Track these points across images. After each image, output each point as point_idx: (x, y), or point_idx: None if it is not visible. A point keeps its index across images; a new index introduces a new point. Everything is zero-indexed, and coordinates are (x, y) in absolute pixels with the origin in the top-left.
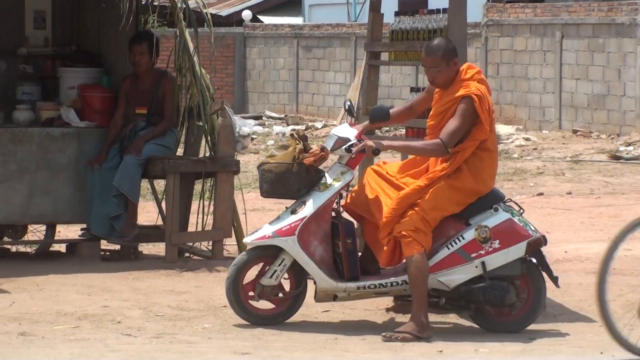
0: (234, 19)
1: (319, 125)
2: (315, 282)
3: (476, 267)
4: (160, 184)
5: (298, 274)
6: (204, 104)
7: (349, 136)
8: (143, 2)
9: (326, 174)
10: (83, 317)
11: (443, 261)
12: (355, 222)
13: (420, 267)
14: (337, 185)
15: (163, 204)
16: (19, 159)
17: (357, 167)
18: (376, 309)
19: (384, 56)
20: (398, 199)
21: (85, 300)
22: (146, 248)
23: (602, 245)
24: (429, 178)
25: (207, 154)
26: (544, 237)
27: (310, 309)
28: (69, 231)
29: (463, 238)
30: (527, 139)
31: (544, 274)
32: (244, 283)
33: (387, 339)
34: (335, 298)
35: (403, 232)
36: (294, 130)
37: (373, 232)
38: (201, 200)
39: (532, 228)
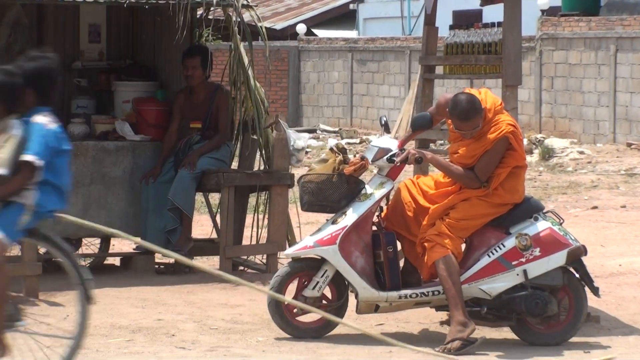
0: (289, 33)
1: (372, 138)
2: (357, 293)
3: (517, 274)
4: (214, 198)
5: (339, 286)
6: (258, 117)
7: (390, 146)
8: (198, 16)
9: (366, 185)
10: (137, 330)
11: (484, 269)
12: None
13: (448, 267)
14: (378, 194)
15: (217, 218)
16: (73, 173)
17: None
18: (430, 322)
19: (439, 70)
20: (430, 215)
21: (139, 313)
22: (200, 261)
23: None
24: (460, 195)
25: (262, 168)
26: (584, 246)
27: (364, 322)
28: (123, 245)
29: (504, 246)
30: (581, 152)
31: (585, 285)
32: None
33: (439, 353)
34: (377, 309)
35: (427, 238)
36: (334, 145)
37: (412, 247)
38: (255, 214)
39: (572, 237)
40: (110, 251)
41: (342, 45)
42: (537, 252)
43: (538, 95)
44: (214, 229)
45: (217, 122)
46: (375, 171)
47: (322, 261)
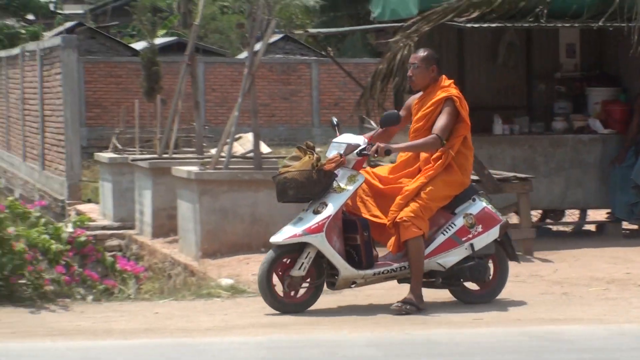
0: None
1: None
2: (338, 273)
3: (466, 249)
4: None
5: (319, 267)
6: None
7: (358, 142)
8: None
9: (339, 178)
10: (611, 281)
11: (440, 246)
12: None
13: (419, 248)
14: (352, 187)
15: None
16: (556, 159)
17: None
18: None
19: None
20: (404, 194)
21: (611, 268)
22: None
23: None
24: (427, 175)
25: None
26: (507, 221)
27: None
28: (597, 214)
29: (455, 225)
30: None
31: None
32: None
33: (396, 312)
34: (352, 285)
35: (404, 217)
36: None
37: (375, 227)
38: None
39: (500, 213)
40: (587, 220)
41: None
42: (479, 228)
43: None
44: None
45: None
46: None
47: (303, 245)
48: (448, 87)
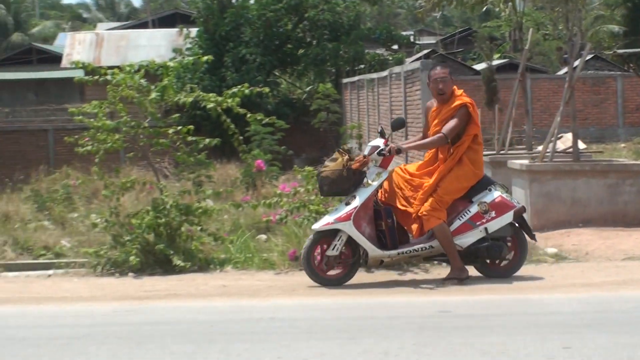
0: None
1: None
2: (367, 253)
3: (480, 231)
4: None
5: (353, 248)
6: None
7: (378, 144)
8: None
9: (367, 174)
10: None
11: (457, 229)
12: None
13: (444, 232)
14: (376, 182)
15: None
16: None
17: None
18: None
19: None
20: (424, 190)
21: None
22: None
23: None
24: (440, 171)
25: None
26: (523, 206)
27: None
28: None
29: (470, 211)
30: None
31: (526, 233)
32: (315, 257)
33: (442, 285)
34: (381, 263)
35: (424, 212)
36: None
37: (402, 215)
38: None
39: (516, 201)
40: None
41: None
42: (493, 214)
43: None
44: None
45: None
46: (371, 163)
47: (336, 230)
48: (461, 96)
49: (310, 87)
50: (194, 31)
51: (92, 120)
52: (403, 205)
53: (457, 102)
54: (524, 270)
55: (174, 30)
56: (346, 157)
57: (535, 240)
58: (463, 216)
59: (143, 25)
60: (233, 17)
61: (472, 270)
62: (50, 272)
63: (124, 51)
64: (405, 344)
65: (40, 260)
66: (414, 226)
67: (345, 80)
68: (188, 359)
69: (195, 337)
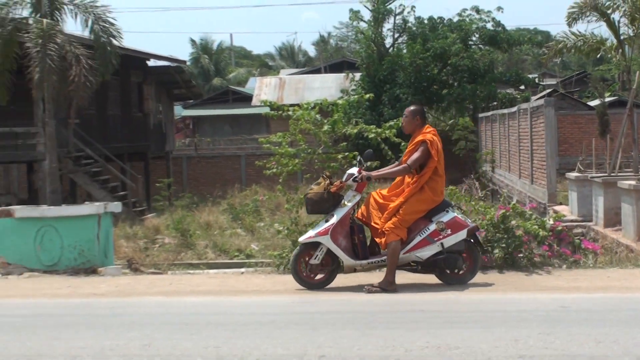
0: None
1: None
2: (342, 263)
3: (437, 246)
4: None
5: (333, 257)
6: None
7: (353, 172)
8: None
9: (344, 197)
10: None
11: (418, 244)
12: (364, 225)
13: (395, 249)
14: (351, 204)
15: None
16: None
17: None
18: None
19: None
20: (388, 211)
21: None
22: None
23: None
24: (404, 195)
25: None
26: (476, 226)
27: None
28: None
29: (429, 229)
30: None
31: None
32: (300, 265)
33: (367, 291)
34: (354, 270)
35: (386, 228)
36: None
37: (375, 231)
38: None
39: (470, 220)
40: None
41: None
42: (449, 231)
43: None
44: None
45: None
46: (348, 188)
47: (318, 243)
48: (424, 133)
49: (452, 121)
50: (357, 75)
51: (276, 147)
52: (376, 223)
53: (418, 138)
54: (630, 272)
55: (342, 74)
56: (327, 182)
57: (485, 254)
58: (423, 233)
59: (317, 70)
60: (389, 64)
61: (433, 279)
62: (243, 270)
63: (302, 92)
64: (531, 333)
65: (235, 260)
66: (382, 240)
67: (480, 115)
68: (354, 341)
69: (359, 324)
